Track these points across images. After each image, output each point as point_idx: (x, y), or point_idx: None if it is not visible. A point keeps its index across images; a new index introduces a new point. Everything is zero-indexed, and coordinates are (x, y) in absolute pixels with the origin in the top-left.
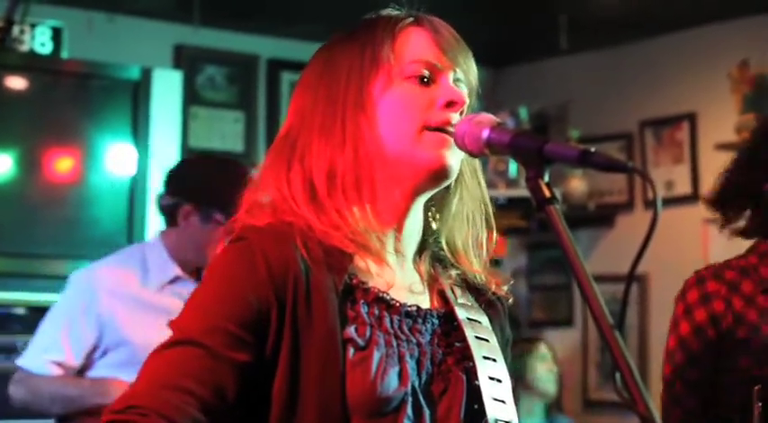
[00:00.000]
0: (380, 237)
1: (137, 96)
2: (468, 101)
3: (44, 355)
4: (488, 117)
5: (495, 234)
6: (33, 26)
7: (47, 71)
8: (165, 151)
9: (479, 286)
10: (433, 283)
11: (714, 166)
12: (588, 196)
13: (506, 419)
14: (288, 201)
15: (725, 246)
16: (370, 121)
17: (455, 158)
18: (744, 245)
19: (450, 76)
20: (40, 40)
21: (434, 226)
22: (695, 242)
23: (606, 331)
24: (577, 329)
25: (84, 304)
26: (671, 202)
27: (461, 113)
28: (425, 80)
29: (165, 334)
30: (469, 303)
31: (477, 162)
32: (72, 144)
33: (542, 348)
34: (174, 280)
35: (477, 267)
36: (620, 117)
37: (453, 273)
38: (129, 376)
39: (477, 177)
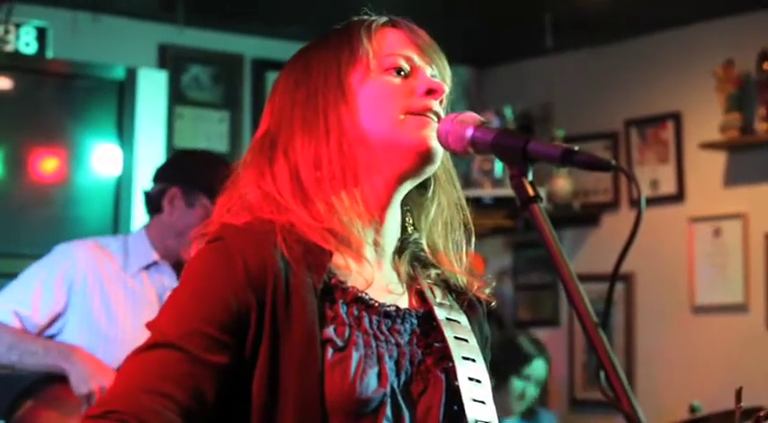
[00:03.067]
0: (363, 229)
1: (122, 96)
2: (447, 90)
3: (10, 305)
4: (472, 116)
5: (473, 240)
6: (18, 26)
7: (32, 71)
8: (151, 151)
9: (460, 288)
10: (411, 283)
11: (699, 165)
12: (573, 195)
13: (486, 420)
14: (273, 196)
15: (710, 244)
16: (351, 110)
17: (433, 136)
18: (728, 246)
19: (428, 70)
20: (24, 40)
21: (410, 230)
22: (681, 241)
23: (590, 329)
24: (563, 329)
25: (63, 270)
26: (656, 201)
27: (441, 103)
28: (403, 72)
29: (129, 317)
30: (449, 303)
31: (452, 167)
32: (57, 144)
33: (536, 367)
34: (152, 265)
35: (459, 269)
36: (605, 116)
37: (433, 272)
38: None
39: (453, 182)
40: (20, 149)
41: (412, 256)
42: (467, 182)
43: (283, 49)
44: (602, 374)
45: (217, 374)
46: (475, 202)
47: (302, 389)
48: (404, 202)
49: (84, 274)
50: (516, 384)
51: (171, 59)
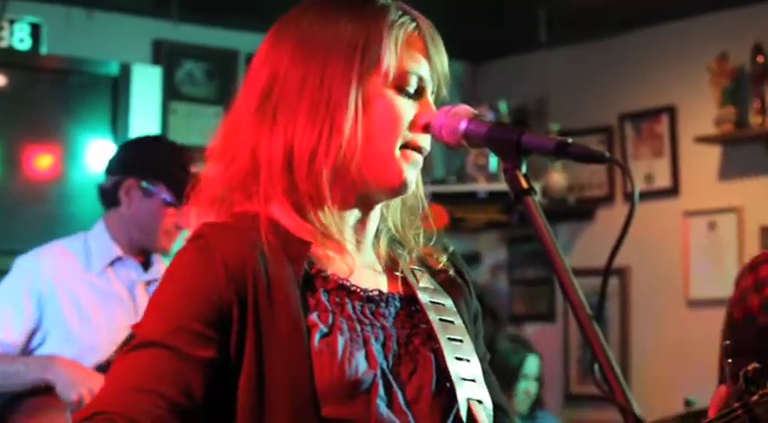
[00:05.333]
0: (342, 226)
1: (116, 92)
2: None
3: None
4: (466, 108)
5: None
6: (12, 22)
7: (26, 67)
8: None
9: (436, 267)
10: (392, 266)
11: (694, 159)
12: (568, 190)
13: (477, 398)
14: (263, 166)
15: (705, 238)
16: (357, 122)
17: (414, 173)
18: (722, 240)
19: (430, 87)
20: (18, 36)
21: (384, 212)
22: (675, 235)
23: (584, 322)
24: (558, 324)
25: (27, 284)
26: (651, 195)
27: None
28: (410, 94)
29: (103, 316)
30: (432, 287)
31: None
32: (51, 140)
33: (530, 365)
34: (116, 261)
35: (415, 244)
36: (599, 110)
37: (411, 255)
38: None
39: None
40: (14, 146)
41: (389, 238)
42: (461, 176)
43: None
44: (596, 367)
45: (204, 369)
46: (470, 197)
47: (292, 377)
48: None
49: (48, 283)
50: (519, 386)
51: (165, 55)
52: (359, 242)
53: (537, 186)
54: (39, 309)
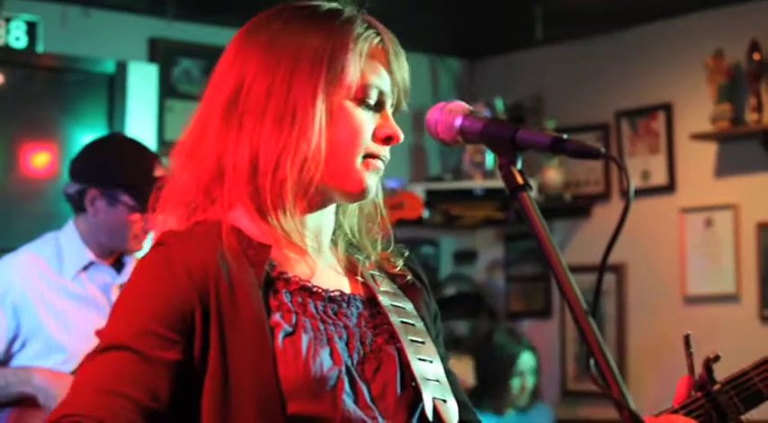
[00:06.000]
0: (303, 230)
1: (112, 90)
2: (401, 137)
3: None
4: (461, 105)
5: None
6: (8, 20)
7: (22, 65)
8: None
9: (393, 271)
10: (352, 270)
11: (690, 155)
12: (564, 187)
13: (441, 397)
14: (228, 172)
15: (702, 235)
16: (321, 135)
17: (375, 179)
18: (719, 237)
19: (389, 101)
20: (14, 35)
21: (340, 219)
22: (672, 232)
23: (580, 316)
24: (555, 320)
25: (0, 294)
26: (647, 192)
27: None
28: (370, 107)
29: (81, 320)
30: (392, 290)
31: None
32: (48, 138)
33: (524, 360)
34: (89, 266)
35: (372, 250)
36: (595, 108)
37: (372, 259)
38: (47, 366)
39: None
40: (10, 145)
41: (346, 243)
42: (458, 174)
43: None
44: (592, 362)
45: (169, 372)
46: (466, 194)
47: (257, 376)
48: None
49: (22, 292)
50: (513, 382)
51: (161, 53)
52: (319, 245)
53: (533, 183)
54: (15, 319)
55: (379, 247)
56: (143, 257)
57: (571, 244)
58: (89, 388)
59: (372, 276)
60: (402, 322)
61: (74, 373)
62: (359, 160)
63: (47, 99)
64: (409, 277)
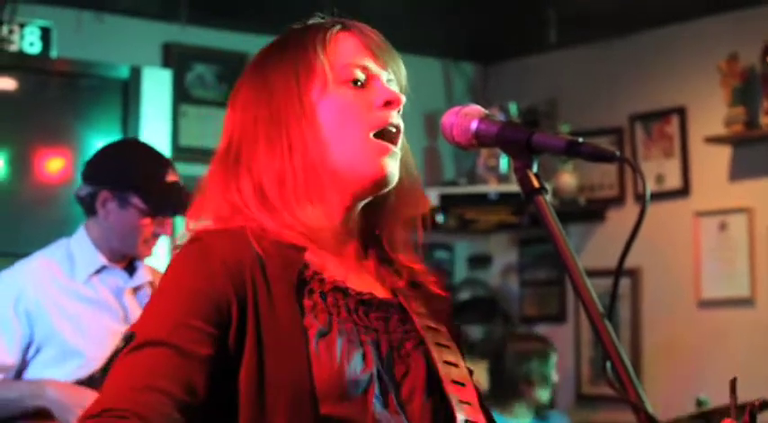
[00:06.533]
0: (328, 232)
1: (126, 95)
2: (403, 100)
3: None
4: (476, 108)
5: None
6: (22, 26)
7: (36, 71)
8: None
9: (425, 293)
10: (382, 281)
11: (704, 159)
12: (579, 191)
13: (467, 400)
14: (239, 208)
15: (716, 239)
16: (314, 128)
17: (395, 165)
18: (733, 240)
19: (384, 76)
20: (28, 40)
21: (372, 231)
22: (687, 236)
23: (596, 319)
24: (569, 325)
25: (13, 301)
26: (662, 196)
27: (399, 112)
28: (359, 83)
29: (95, 324)
30: (418, 299)
31: (417, 174)
32: (62, 144)
33: (551, 363)
34: (101, 269)
35: (415, 264)
36: (609, 112)
37: (402, 275)
38: (63, 372)
39: (416, 187)
40: (25, 150)
41: (379, 258)
42: (472, 178)
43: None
44: (608, 365)
45: (206, 367)
46: (480, 199)
47: (291, 377)
48: (367, 203)
49: (35, 298)
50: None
51: (175, 58)
52: (349, 248)
53: (547, 187)
54: (29, 326)
55: (413, 259)
56: (177, 254)
57: (586, 248)
58: (127, 384)
59: (401, 285)
60: (428, 327)
61: (89, 379)
62: (370, 135)
63: (61, 104)
64: (438, 292)
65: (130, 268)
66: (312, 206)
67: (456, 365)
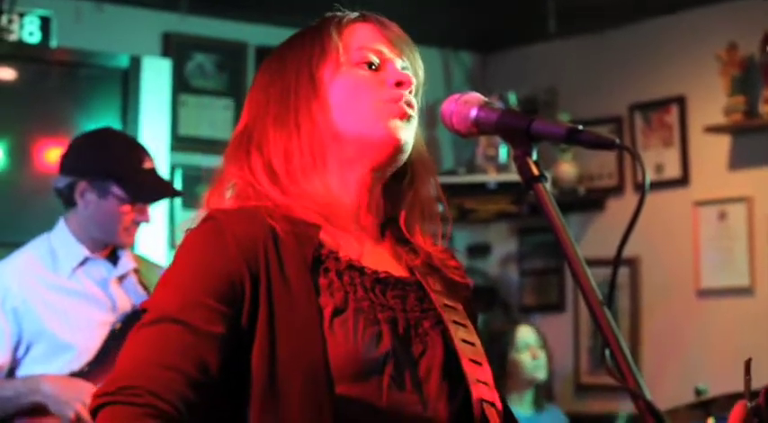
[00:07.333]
0: (343, 210)
1: (126, 85)
2: (415, 81)
3: None
4: (476, 96)
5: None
6: (22, 15)
7: (35, 60)
8: (155, 139)
9: (444, 276)
10: (399, 259)
11: (704, 148)
12: (578, 180)
13: (484, 380)
14: (252, 185)
15: (715, 228)
16: (323, 105)
17: (408, 132)
18: (732, 230)
19: (398, 63)
20: (28, 30)
21: (389, 214)
22: (686, 225)
23: (595, 306)
24: (569, 314)
25: (0, 301)
26: (661, 185)
27: (410, 93)
28: (373, 66)
29: (83, 317)
30: (435, 278)
31: (429, 160)
32: (61, 133)
33: (522, 335)
34: (84, 261)
35: (435, 250)
36: (609, 101)
37: (419, 255)
38: (55, 367)
39: (430, 173)
40: (24, 139)
41: (395, 239)
42: (471, 167)
43: (287, 37)
44: (607, 352)
45: (218, 344)
46: (479, 188)
47: (306, 356)
48: (383, 190)
49: (21, 296)
50: (520, 357)
51: (175, 47)
52: (366, 226)
53: (547, 175)
54: (17, 324)
55: (433, 243)
56: (190, 232)
57: (585, 237)
58: (140, 361)
59: (418, 270)
60: (445, 305)
61: (83, 371)
62: (378, 105)
63: (60, 94)
64: (456, 277)
65: (113, 258)
66: (323, 181)
67: (473, 344)
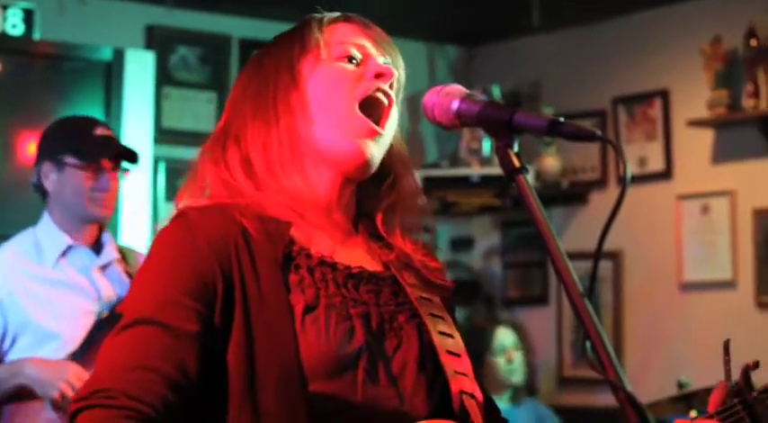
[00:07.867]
0: (317, 205)
1: (109, 77)
2: (396, 74)
3: None
4: (458, 88)
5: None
6: (5, 8)
7: (19, 53)
8: (139, 132)
9: (422, 276)
10: (373, 255)
11: (687, 142)
12: (561, 174)
13: (462, 371)
14: (228, 181)
15: (698, 221)
16: (302, 98)
17: (378, 149)
18: (715, 223)
19: (380, 59)
20: (11, 22)
21: (367, 213)
22: (668, 219)
23: (576, 298)
24: (552, 307)
25: None
26: (644, 178)
27: (391, 86)
28: (354, 61)
29: (68, 306)
30: (412, 273)
31: (408, 158)
32: (45, 126)
33: (500, 338)
34: (67, 250)
35: (415, 251)
36: (592, 94)
37: (392, 250)
38: (42, 356)
39: (410, 172)
40: (7, 132)
41: (369, 234)
42: (454, 161)
43: (271, 30)
44: (587, 345)
45: (196, 344)
46: (463, 181)
47: (279, 356)
48: (358, 187)
49: (6, 288)
50: (495, 361)
51: (158, 40)
52: (339, 222)
53: (530, 170)
54: (2, 316)
55: (414, 240)
56: (162, 230)
57: (568, 231)
58: (117, 364)
59: (393, 264)
60: (421, 297)
61: (69, 357)
62: (356, 109)
63: (44, 87)
64: (437, 273)
65: (98, 246)
66: (300, 176)
67: (451, 336)
